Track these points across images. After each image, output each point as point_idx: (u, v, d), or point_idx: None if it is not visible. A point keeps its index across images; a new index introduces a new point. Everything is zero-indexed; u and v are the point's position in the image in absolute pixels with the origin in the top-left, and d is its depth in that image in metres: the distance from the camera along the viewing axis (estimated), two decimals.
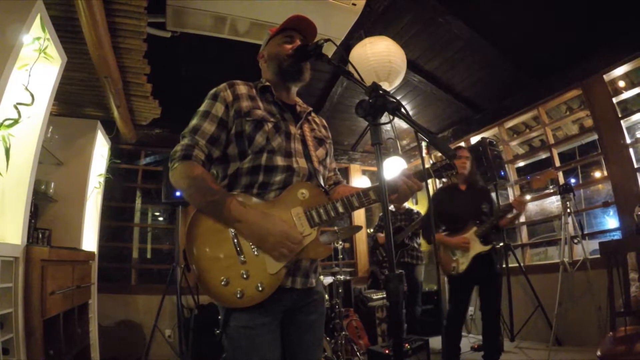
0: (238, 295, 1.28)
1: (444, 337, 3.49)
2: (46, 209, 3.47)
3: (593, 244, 4.50)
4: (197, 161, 1.37)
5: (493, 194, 3.89)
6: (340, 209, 1.42)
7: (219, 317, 1.43)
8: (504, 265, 4.34)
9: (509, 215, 3.27)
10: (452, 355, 3.30)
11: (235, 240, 1.33)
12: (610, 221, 5.71)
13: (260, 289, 1.30)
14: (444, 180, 2.03)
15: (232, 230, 1.34)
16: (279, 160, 1.42)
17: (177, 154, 1.37)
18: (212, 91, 1.49)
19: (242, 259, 1.32)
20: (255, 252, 1.33)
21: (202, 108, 1.46)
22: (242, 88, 1.50)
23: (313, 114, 1.72)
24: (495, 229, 3.30)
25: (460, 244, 3.29)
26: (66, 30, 2.76)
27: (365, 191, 1.44)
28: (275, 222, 1.33)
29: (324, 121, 1.79)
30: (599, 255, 3.42)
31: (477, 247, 3.24)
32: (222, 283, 1.29)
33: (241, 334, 1.32)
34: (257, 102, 1.49)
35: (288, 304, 1.42)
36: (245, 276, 1.30)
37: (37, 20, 2.27)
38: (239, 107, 1.44)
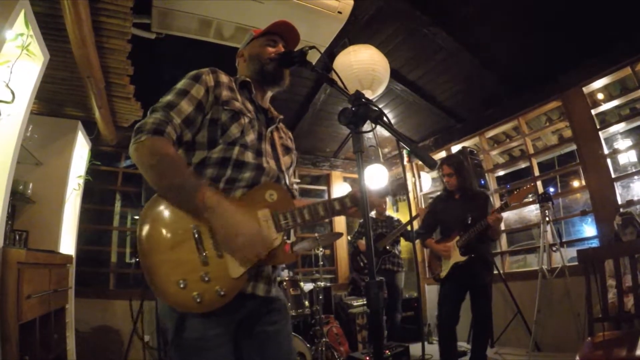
0: (197, 300, 1.14)
1: (439, 340, 3.52)
2: (24, 210, 3.38)
3: (571, 252, 4.59)
4: (169, 139, 1.23)
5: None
6: (307, 216, 1.35)
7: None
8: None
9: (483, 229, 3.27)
10: (449, 356, 3.35)
11: (197, 237, 1.19)
12: (588, 229, 5.83)
13: (222, 293, 1.16)
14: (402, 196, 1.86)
15: (194, 225, 1.20)
16: (250, 157, 1.36)
17: (146, 126, 1.21)
18: (193, 72, 1.38)
19: (204, 259, 1.18)
20: (219, 253, 1.20)
21: (179, 86, 1.34)
22: (223, 77, 1.45)
23: (281, 124, 1.67)
24: (480, 240, 3.31)
25: (441, 251, 3.42)
26: (50, 28, 2.71)
27: (330, 201, 1.41)
28: (247, 221, 1.22)
29: (290, 133, 1.74)
30: (577, 263, 3.49)
31: (455, 257, 3.34)
32: (181, 285, 1.14)
33: (193, 346, 1.20)
34: (235, 94, 1.44)
35: (245, 312, 1.30)
36: (206, 279, 1.16)
37: (21, 16, 2.22)
38: (219, 94, 1.37)
